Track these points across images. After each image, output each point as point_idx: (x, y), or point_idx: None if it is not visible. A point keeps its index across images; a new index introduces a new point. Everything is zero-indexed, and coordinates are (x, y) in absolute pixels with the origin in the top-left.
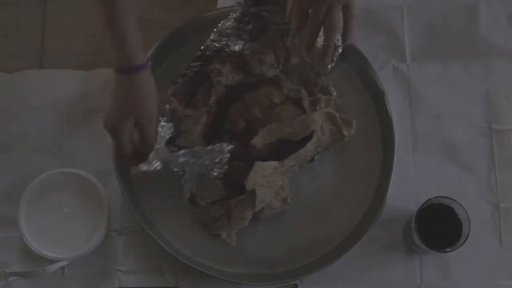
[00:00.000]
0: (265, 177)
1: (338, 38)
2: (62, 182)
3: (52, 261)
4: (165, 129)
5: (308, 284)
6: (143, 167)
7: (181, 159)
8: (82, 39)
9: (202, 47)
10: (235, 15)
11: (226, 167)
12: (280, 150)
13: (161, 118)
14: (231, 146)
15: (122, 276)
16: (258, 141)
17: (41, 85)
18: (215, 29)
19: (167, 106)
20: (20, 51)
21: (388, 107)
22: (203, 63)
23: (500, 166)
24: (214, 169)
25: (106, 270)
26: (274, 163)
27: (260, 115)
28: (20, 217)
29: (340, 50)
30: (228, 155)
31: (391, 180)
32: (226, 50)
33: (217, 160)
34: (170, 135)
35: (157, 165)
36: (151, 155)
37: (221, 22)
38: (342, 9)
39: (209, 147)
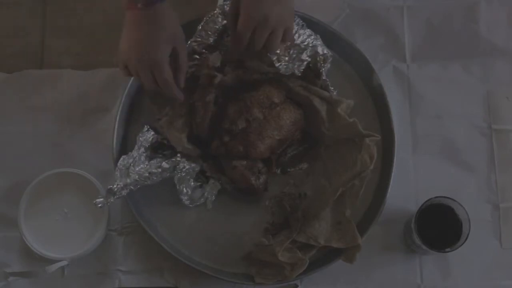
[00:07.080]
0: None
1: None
2: (62, 182)
3: (52, 261)
4: (145, 136)
5: (308, 284)
6: (111, 198)
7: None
8: (82, 39)
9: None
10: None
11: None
12: (280, 152)
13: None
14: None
15: (122, 276)
16: None
17: (41, 85)
18: (199, 27)
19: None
20: (20, 51)
21: (388, 107)
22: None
23: (500, 166)
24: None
25: (106, 270)
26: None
27: (260, 115)
28: (20, 217)
29: (329, 61)
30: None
31: (391, 180)
32: (224, 49)
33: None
34: (153, 140)
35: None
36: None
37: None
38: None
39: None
